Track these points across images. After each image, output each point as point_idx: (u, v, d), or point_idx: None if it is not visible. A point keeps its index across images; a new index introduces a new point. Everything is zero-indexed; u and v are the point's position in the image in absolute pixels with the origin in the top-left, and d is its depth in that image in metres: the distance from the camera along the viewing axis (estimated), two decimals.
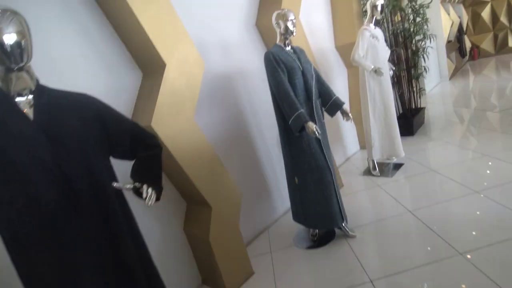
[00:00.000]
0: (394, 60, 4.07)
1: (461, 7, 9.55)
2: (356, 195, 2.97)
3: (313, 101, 2.14)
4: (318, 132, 1.96)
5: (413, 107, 4.38)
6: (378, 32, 3.06)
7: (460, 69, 9.17)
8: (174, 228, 2.11)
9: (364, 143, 3.36)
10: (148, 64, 1.94)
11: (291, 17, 2.10)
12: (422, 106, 4.58)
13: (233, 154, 2.51)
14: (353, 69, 3.79)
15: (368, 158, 3.32)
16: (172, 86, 1.85)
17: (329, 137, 3.21)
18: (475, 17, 10.08)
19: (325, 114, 2.39)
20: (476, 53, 10.31)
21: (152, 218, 1.98)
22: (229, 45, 2.55)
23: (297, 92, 2.10)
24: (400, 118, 4.20)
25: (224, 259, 2.06)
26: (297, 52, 2.20)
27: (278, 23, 2.14)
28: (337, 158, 3.70)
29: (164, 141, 1.76)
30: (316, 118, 2.15)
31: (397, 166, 3.32)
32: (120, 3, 1.68)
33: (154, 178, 1.19)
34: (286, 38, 2.18)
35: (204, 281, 2.27)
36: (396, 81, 4.15)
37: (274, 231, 2.74)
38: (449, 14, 7.97)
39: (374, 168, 3.25)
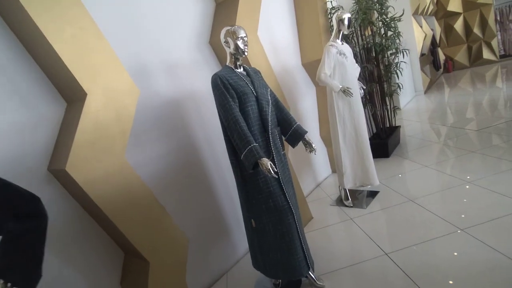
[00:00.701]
0: (365, 77, 4.01)
1: (433, 19, 9.93)
2: (327, 231, 2.78)
3: (270, 131, 1.95)
4: (274, 171, 1.76)
5: (388, 126, 4.32)
6: (346, 48, 2.96)
7: (435, 82, 9.45)
8: (110, 283, 1.82)
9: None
10: (69, 93, 1.68)
11: (242, 34, 1.93)
12: (397, 124, 4.54)
13: (184, 190, 2.27)
14: (322, 87, 3.69)
15: (339, 187, 3.16)
16: (96, 120, 1.61)
17: (297, 160, 3.03)
18: (448, 29, 10.51)
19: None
20: (451, 66, 10.70)
21: (80, 269, 1.68)
22: (179, 66, 2.34)
23: (250, 122, 1.91)
24: (374, 139, 4.14)
25: None
26: (251, 75, 2.02)
27: (227, 42, 1.95)
28: (307, 184, 3.53)
29: (84, 188, 1.51)
30: (273, 151, 1.96)
31: (372, 194, 3.19)
32: (30, 25, 1.44)
33: (25, 264, 0.92)
34: (237, 59, 2.00)
35: None
36: (369, 100, 4.09)
37: (234, 276, 2.49)
38: (421, 27, 8.22)
39: (347, 198, 3.10)
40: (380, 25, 4.06)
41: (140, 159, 2.00)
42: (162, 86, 2.20)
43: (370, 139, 4.14)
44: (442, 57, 10.46)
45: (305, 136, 2.12)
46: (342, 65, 2.84)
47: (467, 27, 10.28)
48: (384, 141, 4.03)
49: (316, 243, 2.59)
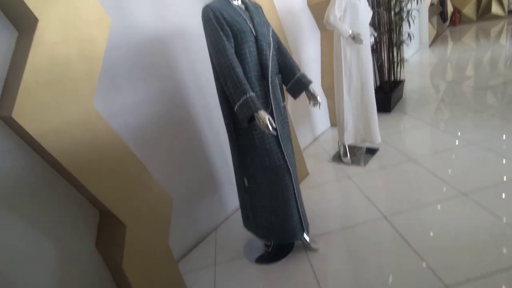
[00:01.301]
0: (375, 24, 3.57)
1: None
2: (322, 188, 2.60)
3: (269, 79, 1.63)
4: (272, 127, 1.48)
5: (392, 79, 3.99)
6: None
7: (440, 35, 8.89)
8: (84, 244, 1.61)
9: (336, 120, 2.93)
10: (17, 16, 1.30)
11: None
12: (401, 78, 4.21)
13: (168, 143, 2.00)
14: (328, 32, 3.27)
15: (339, 143, 2.92)
16: (53, 55, 1.25)
17: (294, 111, 2.75)
18: None
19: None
20: (457, 19, 10.05)
21: (46, 230, 1.46)
22: None
23: (247, 67, 1.58)
24: (377, 92, 3.80)
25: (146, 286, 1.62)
26: (250, 9, 1.64)
27: None
28: (304, 138, 3.29)
29: (38, 139, 1.21)
30: (272, 102, 1.66)
31: (371, 151, 2.97)
32: None
33: None
34: None
35: None
36: (375, 49, 3.69)
37: (223, 234, 2.33)
38: None
39: (345, 155, 2.88)
40: None
41: (114, 106, 1.68)
42: (145, 18, 1.81)
43: None
44: (450, 9, 9.74)
45: (310, 87, 1.80)
46: (354, 7, 2.43)
47: None
48: (388, 95, 3.74)
49: (311, 202, 2.41)
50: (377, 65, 3.74)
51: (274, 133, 1.51)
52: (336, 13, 2.36)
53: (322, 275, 1.75)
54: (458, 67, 5.40)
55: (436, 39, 8.28)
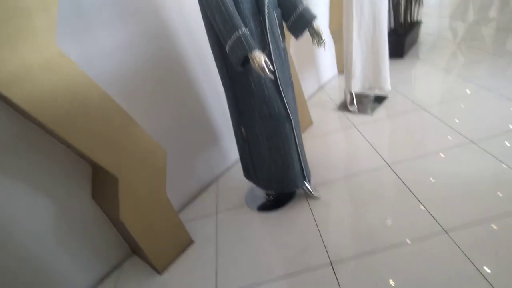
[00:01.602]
0: None
1: None
2: (326, 138, 2.51)
3: (266, 13, 1.44)
4: (270, 69, 1.34)
5: (408, 21, 3.65)
6: None
7: None
8: (79, 197, 1.60)
9: (343, 67, 2.74)
10: None
11: None
12: (418, 20, 3.86)
13: (158, 91, 1.87)
14: None
15: (345, 90, 2.76)
16: None
17: (298, 56, 2.55)
18: None
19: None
20: None
21: (40, 185, 1.45)
22: None
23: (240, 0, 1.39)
24: (390, 35, 3.51)
25: (147, 237, 1.65)
26: None
27: None
28: (309, 85, 3.13)
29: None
30: (270, 41, 1.49)
31: (380, 100, 2.82)
32: None
33: None
34: None
35: (133, 251, 1.89)
36: None
37: (224, 184, 2.32)
38: None
39: (352, 103, 2.74)
40: None
41: (88, 51, 1.51)
42: None
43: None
44: None
45: (313, 23, 1.62)
46: None
47: None
48: (401, 38, 3.45)
49: (314, 151, 2.34)
50: (392, 4, 3.40)
51: (272, 76, 1.38)
52: None
53: (323, 222, 1.74)
54: (482, 6, 4.92)
55: None
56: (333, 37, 3.26)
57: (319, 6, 3.05)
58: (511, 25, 3.76)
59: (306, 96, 3.06)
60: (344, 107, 2.82)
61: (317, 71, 3.21)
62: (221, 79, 1.61)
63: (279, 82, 1.56)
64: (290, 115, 1.64)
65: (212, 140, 2.28)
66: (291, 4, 1.57)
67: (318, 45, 1.65)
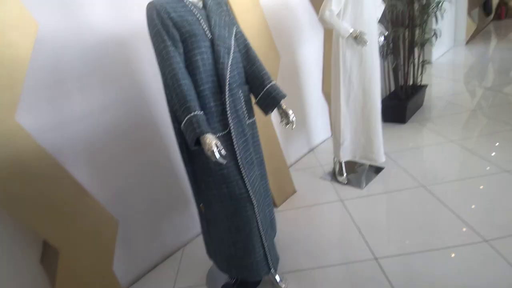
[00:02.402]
0: (391, 19, 3.18)
1: None
2: (308, 212, 2.32)
3: (227, 93, 1.37)
4: (221, 155, 1.25)
5: (411, 83, 3.58)
6: None
7: (482, 30, 8.13)
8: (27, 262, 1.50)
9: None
10: None
11: None
12: (423, 83, 3.78)
13: (128, 153, 1.83)
14: (332, 30, 2.93)
15: (334, 158, 2.63)
16: None
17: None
18: None
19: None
20: (504, 11, 9.15)
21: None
22: None
23: (200, 77, 1.33)
24: (391, 99, 3.45)
25: None
26: (208, 7, 1.38)
27: None
28: (297, 147, 3.01)
29: None
30: (231, 121, 1.40)
31: (375, 169, 2.65)
32: None
33: None
34: None
35: None
36: (392, 48, 3.30)
37: (191, 251, 2.18)
38: None
39: (341, 173, 2.58)
40: None
41: (63, 115, 1.54)
42: (102, 17, 1.61)
43: (385, 99, 3.48)
44: (495, 0, 8.89)
45: (282, 103, 1.54)
46: (357, 0, 2.10)
47: None
48: (403, 103, 3.34)
49: (291, 226, 2.16)
50: (391, 67, 3.36)
51: (223, 161, 1.28)
52: (333, 7, 2.03)
53: None
54: (500, 69, 4.68)
55: (476, 35, 7.55)
56: (326, 98, 3.20)
57: (313, 67, 3.03)
58: None
59: (293, 160, 2.95)
60: (333, 175, 2.66)
61: (308, 133, 3.11)
62: (180, 154, 1.51)
63: (239, 161, 1.45)
64: (252, 197, 1.50)
65: (183, 204, 2.17)
66: (258, 82, 1.50)
67: (285, 126, 1.55)
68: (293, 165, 2.93)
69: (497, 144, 2.63)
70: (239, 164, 1.44)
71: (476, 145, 2.68)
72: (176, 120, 1.41)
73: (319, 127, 3.19)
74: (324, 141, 3.32)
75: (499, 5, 9.10)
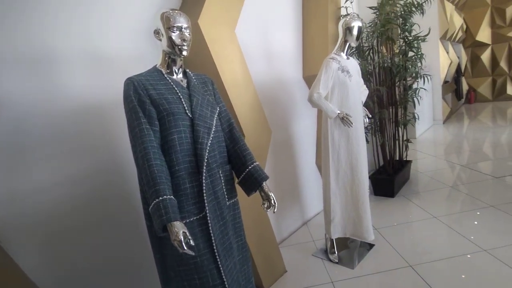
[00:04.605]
0: (377, 101, 3.12)
1: (461, 47, 8.75)
2: None
3: (204, 174, 1.15)
4: (189, 246, 0.98)
5: (397, 158, 3.40)
6: (352, 64, 2.12)
7: (455, 112, 8.28)
8: None
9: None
10: None
11: (179, 22, 1.16)
12: (409, 158, 3.61)
13: (100, 230, 1.54)
14: None
15: (326, 235, 2.31)
16: None
17: (281, 187, 2.19)
18: (475, 59, 9.27)
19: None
20: (473, 97, 9.46)
21: None
22: (114, 60, 1.58)
23: (175, 157, 1.13)
24: (380, 173, 3.24)
25: None
26: (192, 86, 1.25)
27: (158, 32, 1.18)
28: (291, 221, 2.71)
29: None
30: (208, 204, 1.16)
31: (366, 246, 2.32)
32: None
33: None
34: (173, 60, 1.22)
35: None
36: (379, 127, 3.19)
37: None
38: (448, 53, 7.13)
39: (332, 251, 2.25)
40: (401, 43, 3.17)
41: (22, 186, 1.28)
42: (78, 84, 1.45)
43: (374, 173, 3.28)
44: (465, 87, 9.23)
45: (264, 184, 1.31)
46: (344, 85, 2.01)
47: (494, 60, 9.01)
48: (391, 178, 3.13)
49: None
50: (379, 144, 3.20)
51: (191, 253, 1.00)
52: (320, 90, 1.94)
53: None
54: (474, 147, 4.72)
55: (451, 116, 7.67)
56: (320, 171, 2.98)
57: (307, 140, 2.87)
58: (507, 169, 3.40)
59: (286, 234, 2.63)
60: (325, 252, 2.32)
61: (301, 206, 2.83)
62: (149, 237, 1.24)
63: (215, 248, 1.17)
64: (227, 285, 1.19)
65: None
66: (241, 162, 1.31)
67: (266, 209, 1.30)
68: (285, 240, 2.59)
69: (475, 222, 2.48)
70: (215, 251, 1.16)
71: (456, 223, 2.52)
72: (146, 201, 1.16)
73: (313, 199, 2.93)
74: (318, 213, 3.03)
75: (469, 91, 9.41)
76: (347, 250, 2.34)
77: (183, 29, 1.16)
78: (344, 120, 1.94)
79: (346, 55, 2.09)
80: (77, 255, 1.43)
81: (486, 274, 1.84)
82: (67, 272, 1.39)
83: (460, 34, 8.26)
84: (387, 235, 2.46)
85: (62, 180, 1.38)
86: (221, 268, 1.18)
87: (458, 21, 7.92)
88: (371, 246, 2.32)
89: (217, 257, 1.18)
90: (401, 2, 3.07)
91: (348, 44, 2.06)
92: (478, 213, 2.60)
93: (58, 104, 1.38)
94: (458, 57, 8.26)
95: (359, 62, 2.91)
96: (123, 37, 1.60)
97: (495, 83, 9.20)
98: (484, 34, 8.89)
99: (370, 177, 3.16)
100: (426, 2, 3.10)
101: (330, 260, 2.22)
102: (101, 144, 1.52)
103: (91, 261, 1.48)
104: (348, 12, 2.92)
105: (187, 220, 1.14)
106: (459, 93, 8.46)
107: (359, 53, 3.12)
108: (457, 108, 8.57)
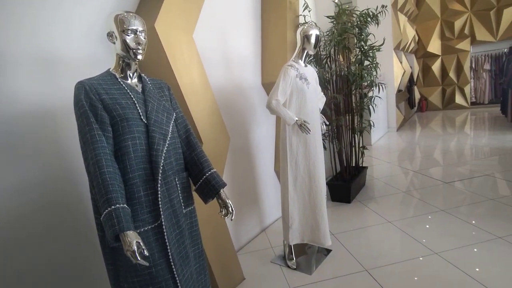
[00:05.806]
0: (335, 109, 3.35)
1: (413, 57, 9.64)
2: None
3: (159, 181, 1.20)
4: (143, 256, 1.01)
5: (353, 165, 3.67)
6: (310, 71, 2.29)
7: (408, 120, 9.07)
8: None
9: None
10: None
11: (134, 25, 1.19)
12: (364, 165, 3.91)
13: (51, 242, 1.47)
14: None
15: (284, 241, 2.43)
16: None
17: (239, 193, 2.27)
18: (426, 69, 10.27)
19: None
20: (425, 105, 10.43)
21: None
22: (64, 62, 1.55)
23: (129, 164, 1.16)
24: (337, 179, 3.47)
25: None
26: (147, 91, 1.28)
27: (111, 34, 1.20)
28: (249, 228, 2.79)
29: None
30: (163, 212, 1.20)
31: (324, 252, 2.48)
32: None
33: None
34: (127, 64, 1.25)
35: None
36: (336, 134, 3.42)
37: None
38: (401, 63, 7.83)
39: (291, 257, 2.37)
40: (358, 52, 3.46)
41: None
42: (25, 87, 1.41)
43: (332, 179, 3.50)
44: (417, 96, 10.16)
45: (221, 191, 1.38)
46: (301, 92, 2.16)
47: (444, 70, 10.07)
48: (347, 184, 3.37)
49: None
50: (336, 150, 3.44)
51: (145, 264, 1.04)
52: (279, 97, 2.07)
53: None
54: (425, 154, 5.22)
55: (404, 123, 8.39)
56: (278, 177, 3.12)
57: (266, 146, 3.00)
58: (455, 175, 3.84)
59: (244, 242, 2.71)
60: (283, 259, 2.43)
61: (260, 212, 2.94)
62: (102, 249, 1.24)
63: (171, 258, 1.21)
64: None
65: None
66: (198, 169, 1.36)
67: (224, 217, 1.37)
68: (244, 247, 2.67)
69: (427, 226, 2.73)
70: (171, 261, 1.20)
71: (409, 227, 2.76)
72: (97, 210, 1.17)
73: (272, 205, 3.04)
74: (277, 220, 3.15)
75: (421, 100, 10.37)
76: (305, 256, 2.48)
77: (138, 32, 1.20)
78: (302, 127, 2.08)
79: (304, 62, 2.25)
80: (21, 266, 1.37)
81: (437, 276, 2.02)
82: (11, 284, 1.33)
83: (412, 45, 9.11)
84: (344, 240, 2.65)
85: (6, 187, 1.32)
86: (177, 278, 1.23)
87: (411, 32, 8.74)
88: (328, 251, 2.49)
89: (173, 266, 1.22)
90: (357, 13, 3.36)
91: (306, 52, 2.22)
92: (430, 217, 2.87)
93: (1, 108, 1.33)
94: (411, 67, 9.09)
95: (317, 70, 3.12)
96: (75, 39, 1.58)
97: (444, 93, 10.26)
98: (434, 46, 9.90)
99: (327, 183, 3.38)
100: (381, 13, 3.43)
101: (288, 267, 2.34)
102: (50, 150, 1.48)
103: (38, 272, 1.42)
104: (306, 21, 3.12)
105: (142, 229, 1.17)
106: (411, 102, 9.30)
107: (316, 61, 3.33)
108: (410, 116, 9.39)
